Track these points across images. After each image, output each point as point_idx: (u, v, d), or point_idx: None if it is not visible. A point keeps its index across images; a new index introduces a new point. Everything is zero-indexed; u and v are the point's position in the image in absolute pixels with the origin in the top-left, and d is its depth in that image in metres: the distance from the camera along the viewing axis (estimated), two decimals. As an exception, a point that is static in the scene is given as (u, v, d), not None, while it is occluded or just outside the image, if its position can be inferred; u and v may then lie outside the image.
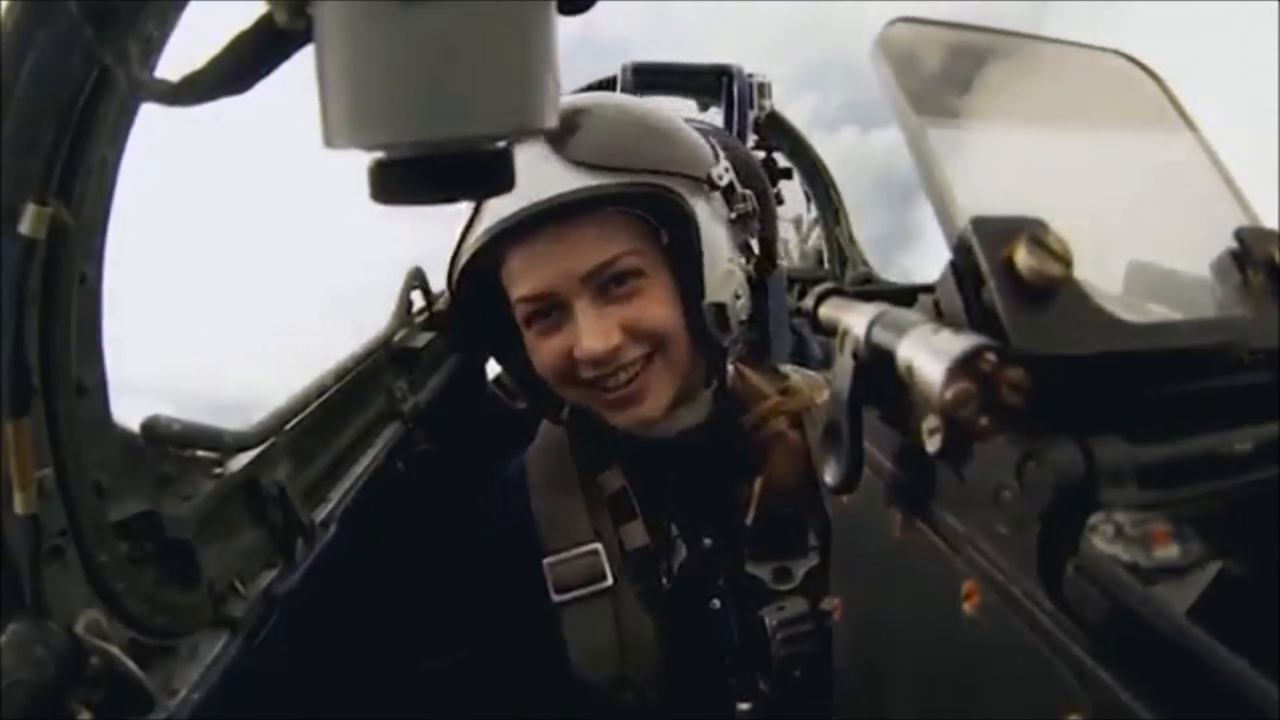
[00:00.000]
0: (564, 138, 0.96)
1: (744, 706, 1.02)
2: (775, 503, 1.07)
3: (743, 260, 1.07)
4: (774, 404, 1.13)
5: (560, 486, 1.14)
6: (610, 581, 1.06)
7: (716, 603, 1.07)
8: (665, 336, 1.02)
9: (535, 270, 1.00)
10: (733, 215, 1.06)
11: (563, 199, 0.94)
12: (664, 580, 1.07)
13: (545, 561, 1.08)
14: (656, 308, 1.01)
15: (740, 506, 1.08)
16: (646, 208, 0.99)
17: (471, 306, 1.07)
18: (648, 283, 1.01)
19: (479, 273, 1.04)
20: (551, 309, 1.01)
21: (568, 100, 1.03)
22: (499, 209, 0.98)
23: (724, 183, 1.05)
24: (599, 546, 1.08)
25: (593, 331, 0.98)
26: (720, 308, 1.02)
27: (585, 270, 0.98)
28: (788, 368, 1.23)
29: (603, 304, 1.00)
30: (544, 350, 1.03)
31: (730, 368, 1.15)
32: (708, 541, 1.09)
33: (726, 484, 1.10)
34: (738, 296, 1.04)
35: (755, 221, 1.08)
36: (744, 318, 1.05)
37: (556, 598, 1.07)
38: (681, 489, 1.12)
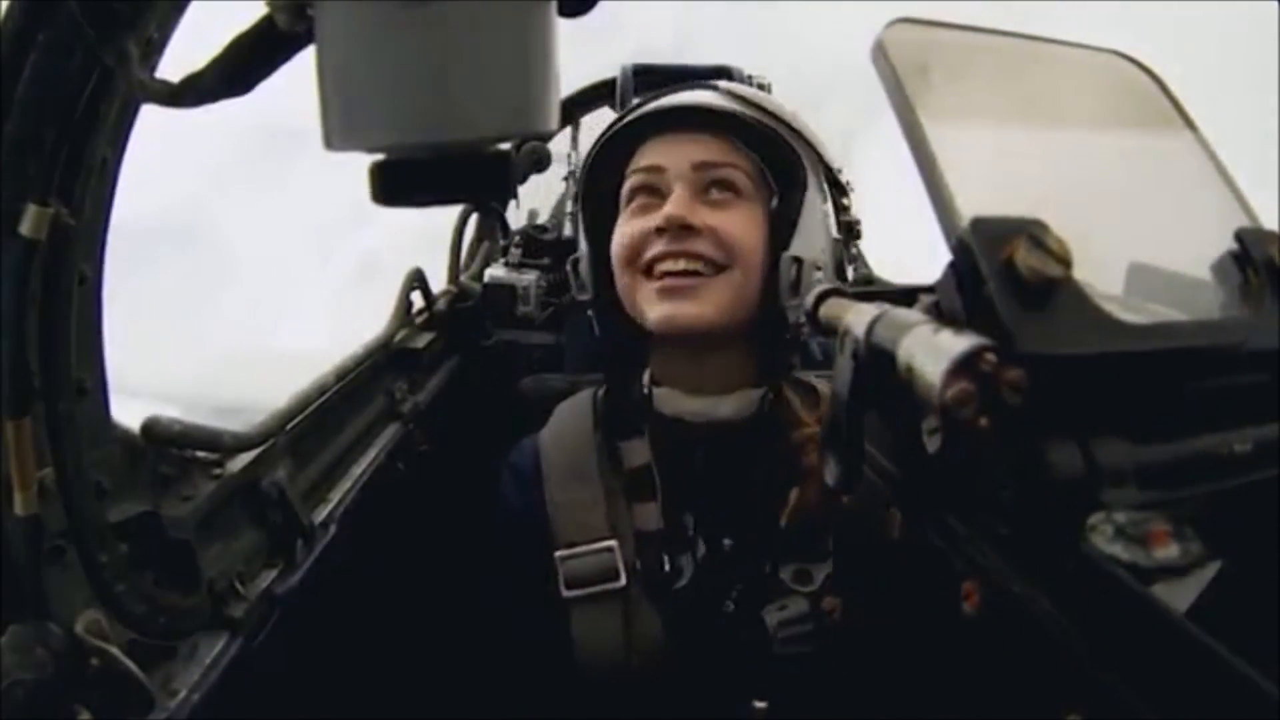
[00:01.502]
0: (728, 89, 1.11)
1: (760, 705, 1.02)
2: (803, 520, 1.05)
3: (832, 269, 1.12)
4: (812, 433, 1.11)
5: (578, 475, 1.12)
6: (623, 582, 1.05)
7: (730, 605, 1.06)
8: (739, 256, 1.05)
9: (659, 150, 1.10)
10: (839, 221, 1.13)
11: (705, 103, 1.08)
12: (678, 579, 1.06)
13: (557, 555, 1.07)
14: (742, 228, 1.06)
15: (766, 519, 1.07)
16: (766, 156, 1.08)
17: (596, 180, 1.17)
18: (742, 204, 1.07)
19: (611, 157, 1.15)
20: (654, 189, 1.09)
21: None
22: (658, 101, 1.12)
23: (843, 180, 1.13)
24: (614, 544, 1.06)
25: (676, 204, 1.05)
26: (799, 262, 1.06)
27: (697, 160, 1.06)
28: (820, 382, 1.20)
29: (696, 201, 1.06)
30: (629, 226, 1.09)
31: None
32: (727, 543, 1.08)
33: (754, 494, 1.08)
34: (818, 268, 1.08)
35: (853, 246, 1.15)
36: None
37: (567, 593, 1.06)
38: (704, 479, 1.10)
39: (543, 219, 2.75)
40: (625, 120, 1.13)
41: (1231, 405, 0.46)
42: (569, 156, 2.81)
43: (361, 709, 1.40)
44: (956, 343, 0.42)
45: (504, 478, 1.18)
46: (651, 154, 1.10)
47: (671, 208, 1.04)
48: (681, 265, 1.04)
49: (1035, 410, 0.41)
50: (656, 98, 1.13)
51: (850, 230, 1.14)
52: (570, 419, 1.19)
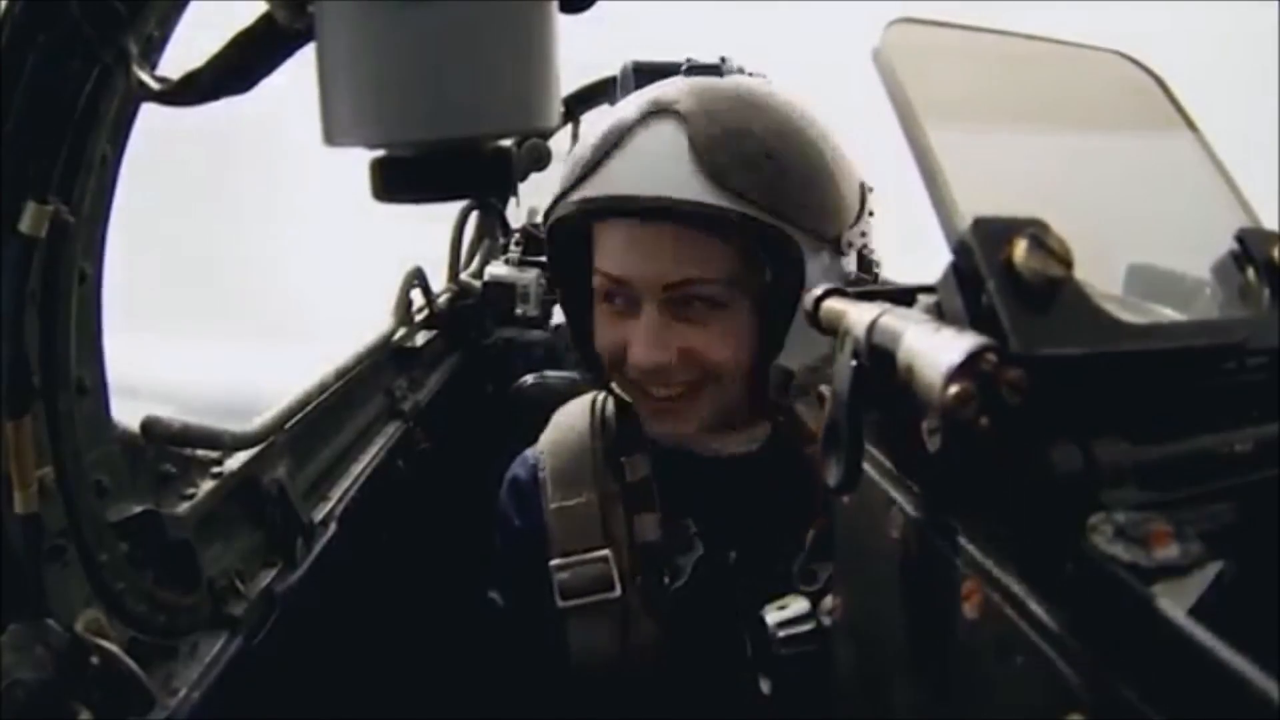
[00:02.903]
0: (708, 138, 0.91)
1: (766, 687, 1.00)
2: (819, 547, 1.02)
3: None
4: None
5: (574, 484, 1.09)
6: (618, 592, 1.04)
7: (731, 607, 1.05)
8: (721, 374, 0.98)
9: (626, 255, 0.96)
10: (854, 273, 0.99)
11: (685, 206, 0.90)
12: (676, 579, 1.06)
13: (552, 564, 1.05)
14: (722, 345, 0.96)
15: (777, 543, 1.04)
16: (761, 244, 0.94)
17: (562, 246, 1.04)
18: (725, 315, 0.96)
19: (573, 222, 1.00)
20: (624, 297, 0.98)
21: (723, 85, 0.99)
22: (614, 176, 0.94)
23: (855, 246, 0.98)
24: (608, 553, 1.04)
25: (648, 343, 0.95)
26: (789, 375, 0.96)
27: (671, 280, 0.94)
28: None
29: (670, 318, 0.96)
30: (605, 332, 1.01)
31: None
32: (732, 555, 1.06)
33: (767, 523, 1.05)
34: (814, 370, 0.96)
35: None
36: (812, 386, 0.97)
37: (563, 603, 1.05)
38: (711, 501, 1.08)
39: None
40: (575, 203, 0.96)
41: (1232, 405, 0.46)
42: (569, 155, 2.80)
43: (361, 708, 1.40)
44: (957, 342, 0.42)
45: (503, 494, 1.16)
46: (618, 255, 0.96)
47: (638, 352, 0.95)
48: (663, 393, 0.99)
49: (1035, 410, 0.41)
50: (609, 149, 0.94)
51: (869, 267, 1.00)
52: (567, 427, 1.16)
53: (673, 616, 1.05)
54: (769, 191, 0.91)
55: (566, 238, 1.03)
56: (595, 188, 0.96)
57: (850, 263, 0.98)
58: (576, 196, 0.97)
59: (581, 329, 1.06)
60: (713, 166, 0.90)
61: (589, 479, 1.10)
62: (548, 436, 1.17)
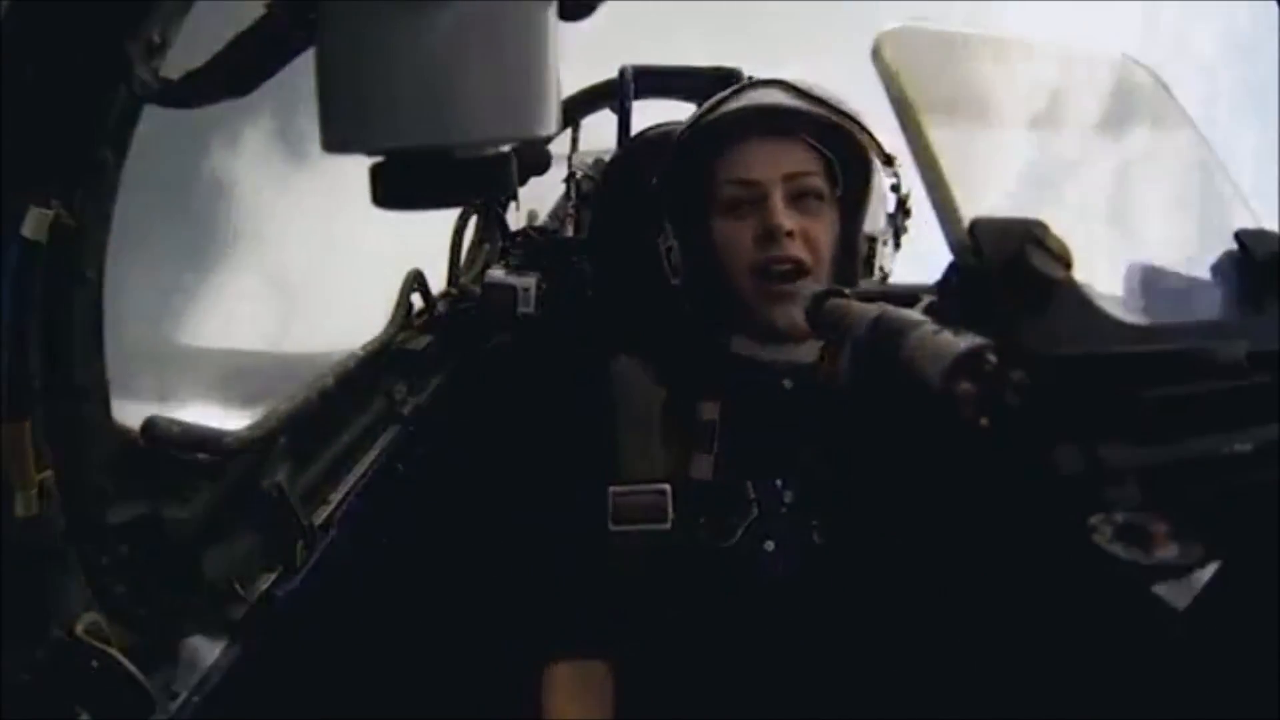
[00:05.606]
0: (801, 84, 1.23)
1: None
2: None
3: (891, 244, 1.25)
4: None
5: (644, 422, 1.20)
6: (669, 525, 1.10)
7: (770, 544, 1.09)
8: (821, 256, 1.18)
9: (751, 160, 1.21)
10: (890, 211, 1.26)
11: (784, 106, 1.20)
12: (729, 537, 1.10)
13: (612, 490, 1.13)
14: (824, 231, 1.19)
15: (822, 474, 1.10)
16: (836, 149, 1.21)
17: (679, 180, 1.30)
18: (823, 209, 1.21)
19: (692, 156, 1.27)
20: (751, 199, 1.20)
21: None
22: (740, 103, 1.24)
23: (896, 176, 1.25)
24: (667, 489, 1.12)
25: (782, 213, 1.17)
26: (872, 241, 1.22)
27: (788, 171, 1.19)
28: None
29: (789, 206, 1.19)
30: (734, 231, 1.21)
31: None
32: (786, 500, 1.11)
33: (812, 439, 1.13)
34: (884, 242, 1.24)
35: (905, 222, 1.28)
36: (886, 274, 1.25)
37: (614, 527, 1.11)
38: (768, 425, 1.16)
39: (541, 220, 2.74)
40: (710, 120, 1.25)
41: (1232, 406, 0.46)
42: (569, 159, 2.80)
43: (362, 711, 1.39)
44: (956, 343, 0.42)
45: (577, 380, 1.29)
46: (744, 164, 1.21)
47: (779, 218, 1.17)
48: (787, 268, 1.17)
49: (1036, 410, 0.41)
50: (725, 99, 1.25)
51: (903, 205, 1.27)
52: (634, 375, 1.27)
53: (712, 564, 1.09)
54: (848, 113, 1.22)
55: (680, 179, 1.29)
56: (712, 115, 1.24)
57: (890, 194, 1.25)
58: (713, 115, 1.24)
59: (695, 245, 1.27)
60: (810, 94, 1.22)
61: (657, 424, 1.20)
62: (616, 374, 1.27)
